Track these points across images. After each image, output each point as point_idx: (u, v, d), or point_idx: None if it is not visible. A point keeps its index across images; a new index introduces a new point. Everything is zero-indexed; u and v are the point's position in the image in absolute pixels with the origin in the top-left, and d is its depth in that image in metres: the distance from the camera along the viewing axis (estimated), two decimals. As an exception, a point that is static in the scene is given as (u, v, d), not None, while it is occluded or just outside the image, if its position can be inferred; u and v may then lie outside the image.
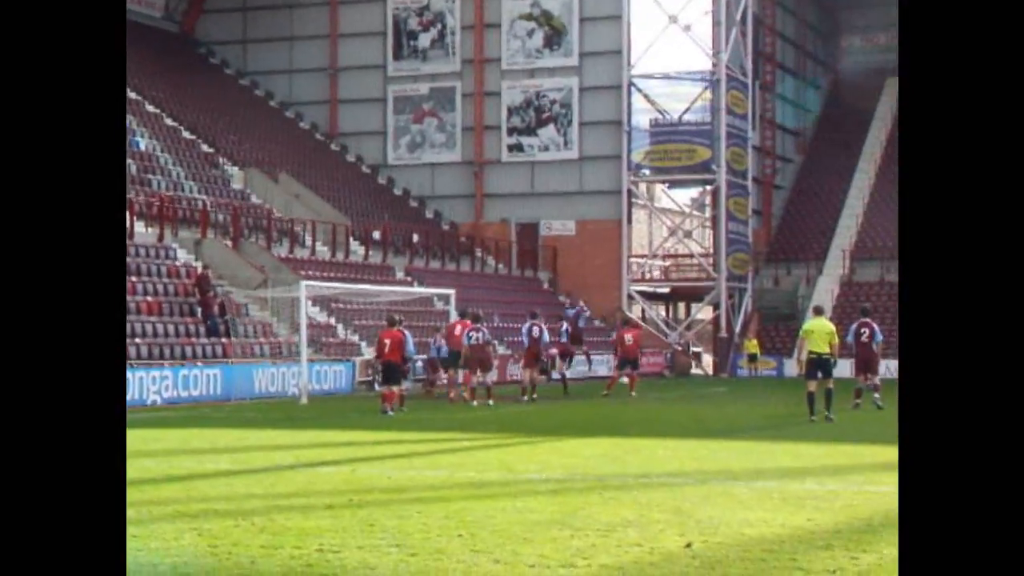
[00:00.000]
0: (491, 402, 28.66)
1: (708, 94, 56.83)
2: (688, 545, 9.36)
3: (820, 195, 64.79)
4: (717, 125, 56.14)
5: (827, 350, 22.91)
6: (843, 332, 26.41)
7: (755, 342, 53.36)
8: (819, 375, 23.08)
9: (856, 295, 55.34)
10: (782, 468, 15.30)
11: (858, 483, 13.64)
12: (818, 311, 24.59)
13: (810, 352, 23.22)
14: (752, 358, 52.48)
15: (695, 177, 58.57)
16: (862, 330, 26.44)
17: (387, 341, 26.21)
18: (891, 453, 16.97)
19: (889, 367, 39.35)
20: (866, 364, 26.74)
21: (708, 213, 63.06)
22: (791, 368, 51.86)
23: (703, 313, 61.42)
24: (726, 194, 56.29)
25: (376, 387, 32.83)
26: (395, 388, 26.24)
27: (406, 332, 26.81)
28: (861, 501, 12.00)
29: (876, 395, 26.26)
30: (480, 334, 29.28)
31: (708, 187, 58.54)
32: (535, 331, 31.66)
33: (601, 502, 11.86)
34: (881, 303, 54.92)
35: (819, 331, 23.16)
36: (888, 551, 9.17)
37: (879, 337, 26.37)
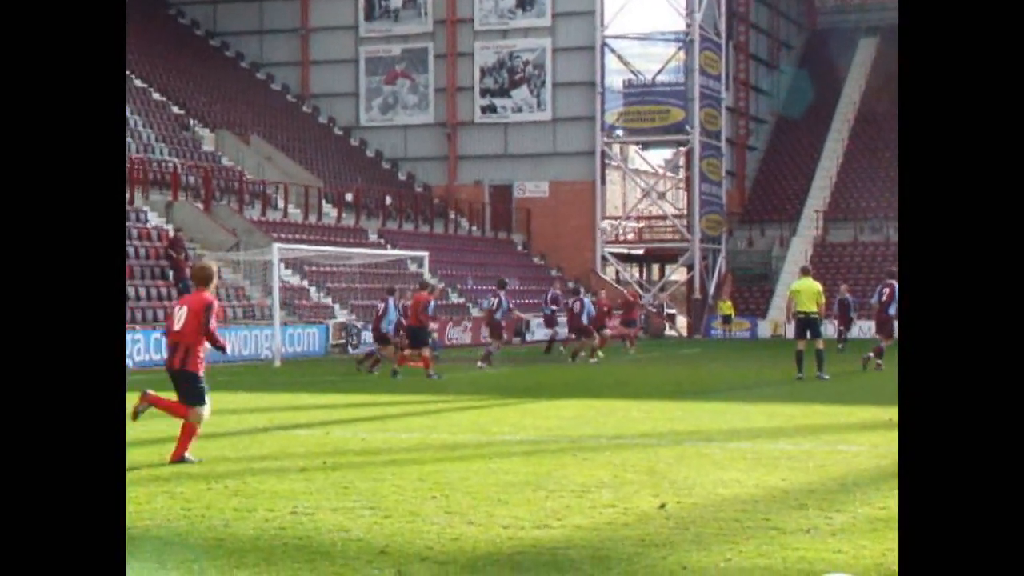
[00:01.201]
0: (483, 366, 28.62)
1: (682, 55, 56.72)
2: (662, 506, 9.36)
3: (794, 156, 64.83)
4: (691, 86, 56.05)
5: (814, 309, 23.19)
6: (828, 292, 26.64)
7: (729, 303, 53.49)
8: (808, 334, 23.34)
9: (830, 256, 55.50)
10: (756, 428, 15.32)
11: (831, 443, 13.66)
12: (805, 271, 24.74)
13: (797, 312, 23.46)
14: (727, 319, 52.61)
15: (669, 138, 58.50)
16: (883, 291, 26.62)
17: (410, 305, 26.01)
18: (864, 413, 17.06)
19: (862, 328, 39.46)
20: (880, 326, 26.92)
21: (682, 174, 63.09)
22: (765, 329, 52.05)
23: (677, 275, 61.51)
24: (700, 155, 56.28)
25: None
26: (424, 352, 25.27)
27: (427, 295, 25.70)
28: (835, 461, 12.03)
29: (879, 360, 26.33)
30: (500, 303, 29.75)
31: (682, 148, 58.52)
32: (576, 306, 31.91)
33: (575, 463, 11.85)
34: (855, 264, 55.15)
35: (806, 291, 23.36)
36: (862, 510, 9.19)
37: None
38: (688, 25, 56.30)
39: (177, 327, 11.85)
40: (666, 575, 7.17)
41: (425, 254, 38.89)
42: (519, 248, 57.68)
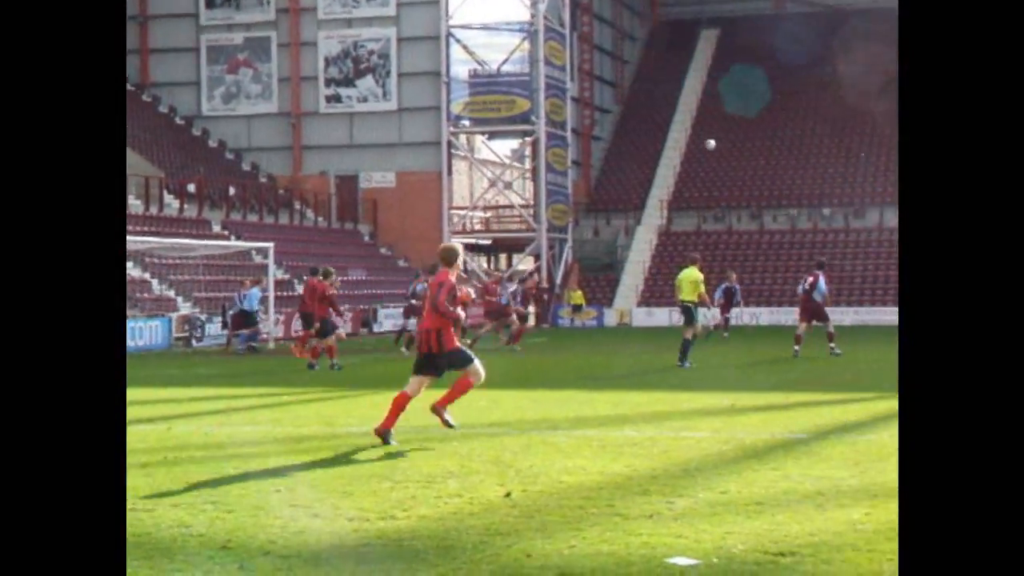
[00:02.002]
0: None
1: (526, 45, 56.98)
2: (507, 494, 9.39)
3: (638, 146, 65.59)
4: (536, 76, 56.33)
5: (692, 298, 23.69)
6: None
7: (579, 293, 53.95)
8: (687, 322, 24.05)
9: (674, 245, 56.30)
10: (602, 416, 15.47)
11: (675, 429, 13.86)
12: (692, 260, 24.95)
13: (680, 300, 24.08)
14: (577, 308, 53.06)
15: (514, 128, 58.71)
16: (808, 279, 27.54)
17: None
18: (707, 399, 17.36)
19: (706, 314, 40.12)
20: (804, 313, 27.61)
21: (528, 164, 63.38)
22: (611, 317, 52.63)
23: (524, 264, 61.79)
24: (545, 145, 56.62)
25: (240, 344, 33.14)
26: (329, 340, 24.94)
27: (323, 283, 25.09)
28: (678, 447, 12.20)
29: (831, 344, 27.14)
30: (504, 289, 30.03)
31: (527, 138, 58.77)
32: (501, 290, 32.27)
33: (422, 454, 11.83)
34: (700, 253, 55.97)
35: (686, 279, 23.88)
36: (703, 495, 9.34)
37: (822, 289, 27.11)
38: (532, 16, 56.56)
39: (424, 312, 12.80)
40: (511, 563, 7.19)
41: (270, 245, 38.41)
42: (366, 239, 57.38)
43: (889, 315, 46.28)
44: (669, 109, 65.63)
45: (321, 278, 25.34)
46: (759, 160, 60.42)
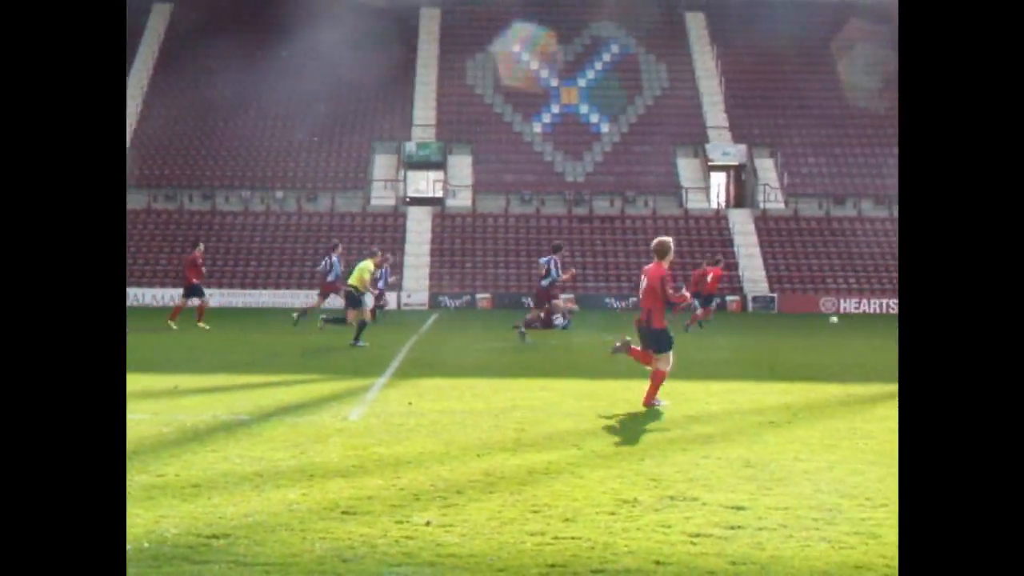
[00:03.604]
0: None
1: None
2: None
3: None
4: None
5: (356, 283, 24.83)
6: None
7: None
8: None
9: (144, 224, 54.56)
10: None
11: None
12: (371, 253, 26.40)
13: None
14: None
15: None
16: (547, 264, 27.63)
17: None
18: (149, 381, 16.96)
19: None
20: (535, 299, 27.91)
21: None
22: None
23: None
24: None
25: None
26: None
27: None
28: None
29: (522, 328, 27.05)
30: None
31: None
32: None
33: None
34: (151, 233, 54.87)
35: (358, 268, 25.14)
36: (139, 478, 9.15)
37: (554, 276, 27.02)
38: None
39: (641, 294, 14.61)
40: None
41: None
42: None
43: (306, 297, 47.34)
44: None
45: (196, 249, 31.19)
46: (214, 140, 59.87)
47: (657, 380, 14.41)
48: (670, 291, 14.42)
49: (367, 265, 25.32)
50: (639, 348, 14.72)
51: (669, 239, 15.20)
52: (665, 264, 14.61)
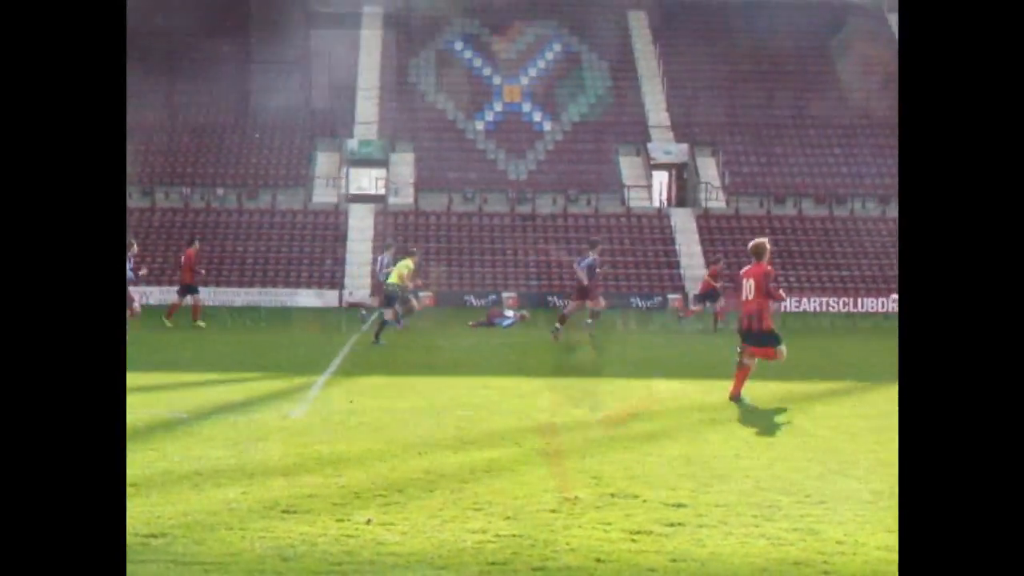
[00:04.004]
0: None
1: None
2: None
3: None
4: None
5: (396, 280, 25.61)
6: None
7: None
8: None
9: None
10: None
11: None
12: (403, 252, 27.57)
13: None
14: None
15: None
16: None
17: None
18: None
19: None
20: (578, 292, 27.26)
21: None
22: None
23: None
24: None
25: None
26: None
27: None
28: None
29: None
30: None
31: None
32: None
33: None
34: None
35: (397, 267, 26.06)
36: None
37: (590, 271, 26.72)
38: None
39: (747, 296, 14.87)
40: None
41: None
42: None
43: (288, 296, 47.13)
44: None
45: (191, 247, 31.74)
46: (153, 137, 59.36)
47: (743, 374, 14.83)
48: (774, 288, 15.01)
49: (407, 263, 26.04)
50: (756, 348, 14.87)
51: (765, 239, 15.56)
52: (765, 263, 15.00)
